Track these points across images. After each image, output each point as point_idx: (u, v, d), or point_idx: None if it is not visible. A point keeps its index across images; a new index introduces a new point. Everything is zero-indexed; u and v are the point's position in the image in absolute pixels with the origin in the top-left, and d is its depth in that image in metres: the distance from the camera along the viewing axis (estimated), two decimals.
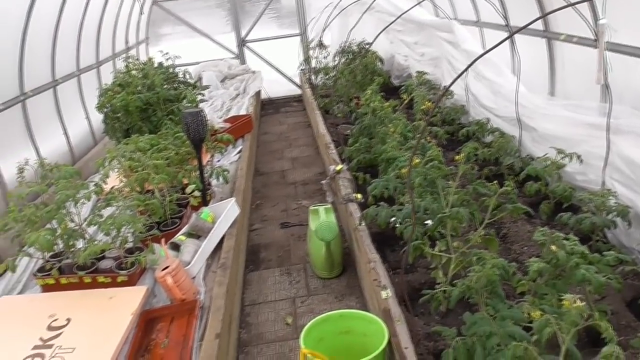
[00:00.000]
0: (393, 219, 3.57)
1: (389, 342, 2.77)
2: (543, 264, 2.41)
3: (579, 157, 3.83)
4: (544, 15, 3.79)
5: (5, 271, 3.66)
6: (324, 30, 9.50)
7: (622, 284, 2.46)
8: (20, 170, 3.83)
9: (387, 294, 3.06)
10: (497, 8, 5.08)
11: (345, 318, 3.07)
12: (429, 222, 3.26)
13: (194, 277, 3.66)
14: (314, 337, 2.91)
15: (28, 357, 2.94)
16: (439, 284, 3.02)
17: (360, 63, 7.41)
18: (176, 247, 3.95)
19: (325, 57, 9.02)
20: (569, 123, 4.00)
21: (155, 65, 6.24)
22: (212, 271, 3.77)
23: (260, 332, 3.84)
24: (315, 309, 3.97)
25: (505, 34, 5.29)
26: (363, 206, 4.24)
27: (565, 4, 2.98)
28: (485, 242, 3.06)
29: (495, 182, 3.03)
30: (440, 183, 3.16)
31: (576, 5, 3.24)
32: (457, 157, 3.15)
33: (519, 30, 3.01)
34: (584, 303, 1.91)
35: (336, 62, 8.30)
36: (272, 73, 11.55)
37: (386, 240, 3.87)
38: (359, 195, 4.34)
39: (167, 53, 6.25)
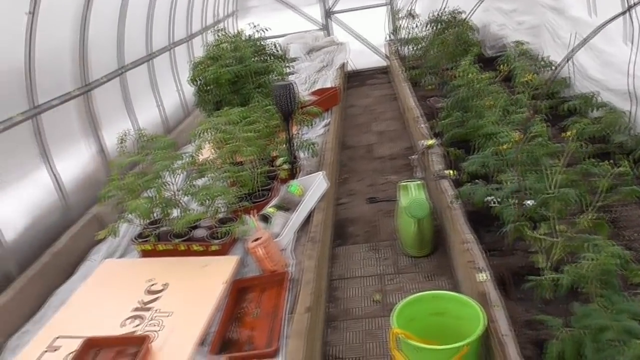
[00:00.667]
0: (489, 197, 3.39)
1: (486, 328, 2.64)
2: None
3: None
4: None
5: (107, 236, 3.87)
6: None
7: None
8: (121, 140, 3.99)
9: (484, 276, 2.92)
10: None
11: (438, 299, 2.97)
12: (529, 202, 3.06)
13: (283, 250, 3.68)
14: (405, 317, 2.84)
15: (129, 318, 3.10)
16: (538, 268, 2.85)
17: (452, 33, 7.08)
18: (265, 219, 3.99)
19: (415, 27, 8.71)
20: None
21: (245, 37, 6.28)
22: (301, 244, 3.78)
23: (347, 307, 3.82)
24: (404, 288, 3.90)
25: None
26: (456, 183, 4.09)
27: None
28: (594, 227, 2.82)
29: (607, 161, 2.77)
30: (545, 161, 2.94)
31: None
32: (565, 134, 2.91)
33: None
34: None
35: (426, 32, 7.99)
36: (358, 44, 11.37)
37: (481, 220, 3.68)
38: (452, 172, 4.17)
39: (257, 25, 6.25)
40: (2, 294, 3.37)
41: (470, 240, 3.33)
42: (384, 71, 11.04)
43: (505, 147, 3.40)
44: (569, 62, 5.50)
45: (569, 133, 2.87)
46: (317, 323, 3.28)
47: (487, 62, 7.06)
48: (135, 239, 3.86)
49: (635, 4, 2.81)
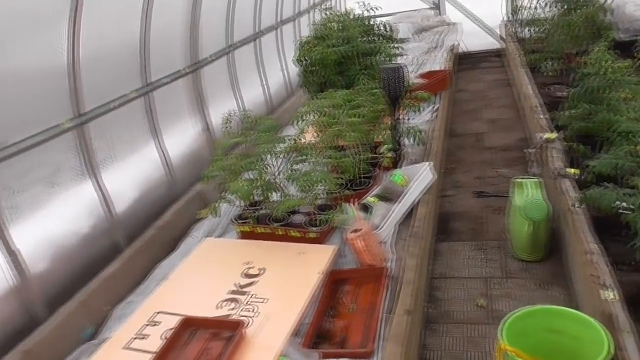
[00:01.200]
0: (618, 203, 2.99)
1: (612, 357, 2.31)
2: None
3: None
4: None
5: (208, 215, 3.91)
6: None
7: None
8: (226, 121, 4.00)
9: (611, 295, 2.57)
10: None
11: (554, 315, 2.65)
12: None
13: (382, 243, 3.51)
14: (515, 331, 2.56)
15: (225, 300, 3.10)
16: None
17: (581, 14, 6.42)
18: (366, 208, 3.83)
19: (536, 8, 8.03)
20: None
21: (353, 16, 6.09)
22: (402, 238, 3.58)
23: (448, 309, 3.59)
24: (513, 294, 3.59)
25: None
26: (578, 184, 3.68)
27: None
28: None
29: None
30: None
31: None
32: None
33: None
34: None
35: (550, 12, 7.33)
36: (471, 25, 10.77)
37: (607, 228, 3.27)
38: (575, 171, 3.76)
39: (368, 3, 6.03)
40: (111, 264, 3.53)
41: (595, 251, 2.96)
42: (497, 54, 10.37)
43: None
44: None
45: None
46: (415, 324, 3.09)
47: (622, 48, 6.35)
48: (235, 219, 3.87)
49: None
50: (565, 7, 7.08)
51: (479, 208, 4.86)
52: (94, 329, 3.13)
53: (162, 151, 4.49)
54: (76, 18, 3.36)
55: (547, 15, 7.43)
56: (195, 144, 5.04)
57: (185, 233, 4.09)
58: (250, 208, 3.91)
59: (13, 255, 3.01)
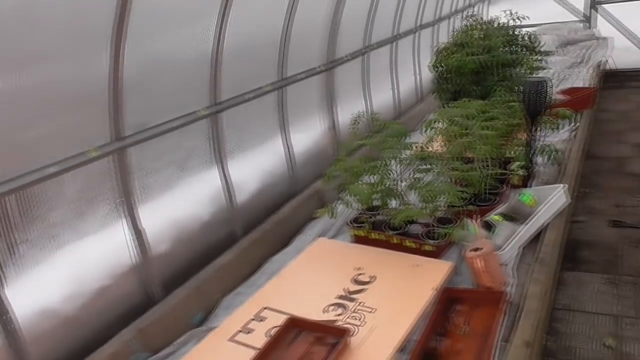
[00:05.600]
0: None
1: None
2: None
3: None
4: None
5: (324, 215, 3.93)
6: None
7: None
8: (355, 122, 4.00)
9: None
10: None
11: None
12: None
13: (503, 265, 3.31)
14: None
15: (332, 304, 3.08)
16: None
17: None
18: (489, 226, 3.65)
19: None
20: None
21: (496, 25, 5.84)
22: (525, 263, 3.36)
23: (570, 345, 3.29)
24: None
25: None
26: None
27: None
28: None
29: None
30: None
31: None
32: None
33: None
34: None
35: None
36: (623, 40, 9.91)
37: None
38: None
39: (515, 12, 5.75)
40: (226, 252, 3.67)
41: None
42: None
43: None
44: None
45: None
46: (532, 358, 2.87)
47: None
48: (350, 222, 3.86)
49: None
50: None
51: (614, 239, 4.42)
52: (203, 316, 3.25)
53: (288, 146, 4.60)
54: (225, 12, 3.53)
55: None
56: (320, 141, 5.12)
57: (299, 230, 4.15)
58: (367, 213, 3.88)
59: (139, 234, 3.17)
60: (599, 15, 10.10)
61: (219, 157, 3.85)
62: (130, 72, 2.93)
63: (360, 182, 3.73)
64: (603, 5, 10.01)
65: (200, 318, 3.24)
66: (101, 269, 3.00)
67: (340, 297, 3.14)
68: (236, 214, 3.99)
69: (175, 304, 3.16)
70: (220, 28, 3.56)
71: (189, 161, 3.64)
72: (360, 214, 3.89)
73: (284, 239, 4.03)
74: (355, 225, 3.79)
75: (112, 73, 2.84)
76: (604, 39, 9.67)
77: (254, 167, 4.27)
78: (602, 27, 10.09)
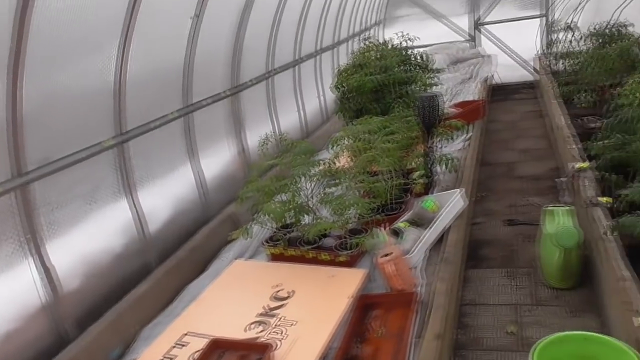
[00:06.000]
0: None
1: None
2: None
3: None
4: None
5: (240, 236, 3.98)
6: (574, 11, 8.49)
7: None
8: (263, 143, 4.11)
9: None
10: None
11: (587, 341, 2.63)
12: None
13: (413, 268, 3.53)
14: (545, 357, 2.54)
15: (254, 322, 3.12)
16: None
17: (615, 47, 6.42)
18: (396, 233, 3.86)
19: (571, 42, 8.06)
20: None
21: (391, 46, 6.23)
22: (432, 264, 3.60)
23: (478, 336, 3.56)
24: (543, 322, 3.55)
25: None
26: (611, 213, 3.66)
27: None
28: None
29: None
30: None
31: None
32: None
33: None
34: None
35: (585, 46, 7.35)
36: (505, 57, 10.86)
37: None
38: (607, 199, 3.73)
39: (407, 34, 6.17)
40: (141, 283, 3.61)
41: (627, 277, 2.94)
42: (530, 86, 10.40)
43: None
44: None
45: None
46: (444, 350, 3.08)
47: None
48: (265, 241, 3.94)
49: None
50: (600, 41, 7.09)
51: (509, 236, 4.84)
52: (121, 350, 3.16)
53: (198, 172, 4.62)
54: (126, 42, 3.54)
55: (581, 49, 7.44)
56: (230, 166, 5.17)
57: (215, 255, 4.16)
58: (282, 230, 3.97)
59: (48, 272, 3.05)
60: (482, 36, 10.99)
61: (128, 188, 3.80)
62: (30, 105, 2.87)
63: (273, 201, 3.83)
64: (485, 25, 10.90)
65: (119, 353, 3.15)
66: (7, 312, 2.85)
67: (261, 314, 3.20)
68: (149, 244, 3.93)
69: (90, 341, 3.06)
70: (122, 58, 3.56)
71: (97, 193, 3.57)
72: (275, 232, 3.98)
73: (200, 265, 4.02)
74: (271, 243, 3.87)
75: (10, 107, 2.77)
76: (489, 56, 10.52)
77: (165, 195, 4.25)
78: (487, 45, 10.98)
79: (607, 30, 7.17)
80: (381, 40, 6.61)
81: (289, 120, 6.54)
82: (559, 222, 3.82)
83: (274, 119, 6.06)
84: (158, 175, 4.16)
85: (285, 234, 3.89)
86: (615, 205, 3.72)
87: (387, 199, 4.16)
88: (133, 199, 3.84)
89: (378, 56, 5.90)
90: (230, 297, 3.48)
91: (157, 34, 3.96)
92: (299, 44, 6.63)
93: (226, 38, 4.99)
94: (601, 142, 4.52)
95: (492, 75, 10.13)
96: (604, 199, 3.84)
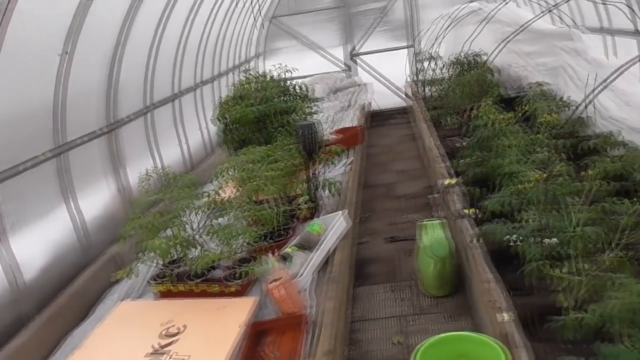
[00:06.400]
0: (511, 237, 3.34)
1: None
2: None
3: None
4: None
5: (124, 277, 3.84)
6: (435, 42, 9.30)
7: None
8: (144, 179, 4.05)
9: (505, 317, 2.85)
10: (625, 13, 4.68)
11: (459, 340, 2.88)
12: (549, 241, 3.02)
13: (302, 290, 3.64)
14: (426, 359, 2.76)
15: None
16: (560, 308, 2.77)
17: (472, 75, 7.14)
18: (285, 258, 3.97)
19: (434, 70, 8.83)
20: None
21: (271, 78, 6.43)
22: (321, 285, 3.73)
23: (368, 349, 3.74)
24: (426, 329, 3.82)
25: (634, 41, 4.86)
26: (476, 222, 4.04)
27: None
28: (617, 265, 2.75)
29: (624, 199, 2.74)
30: (566, 200, 2.90)
31: None
32: (587, 173, 2.87)
33: None
34: None
35: (447, 73, 8.08)
36: (380, 85, 11.55)
37: (503, 259, 3.59)
38: (472, 211, 4.12)
39: (285, 66, 6.39)
40: (17, 336, 3.36)
41: (491, 279, 3.26)
42: (404, 111, 11.12)
43: (525, 186, 3.35)
44: (590, 102, 5.48)
45: (590, 172, 2.83)
46: None
47: (507, 103, 7.08)
48: (152, 279, 3.85)
49: None
50: (460, 69, 7.83)
51: (392, 252, 5.15)
52: None
53: (76, 214, 4.42)
54: None
55: (444, 76, 8.16)
56: (111, 205, 5.00)
57: (99, 299, 3.98)
58: (169, 266, 3.90)
59: None
60: (358, 65, 11.64)
61: None
62: None
63: (158, 237, 3.77)
64: (360, 56, 11.57)
65: None
66: None
67: (151, 353, 3.11)
68: (25, 295, 3.68)
69: None
70: None
71: None
72: (162, 269, 3.91)
73: (83, 311, 3.83)
74: (158, 281, 3.79)
75: None
76: (365, 84, 11.16)
77: (41, 240, 4.01)
78: (363, 74, 11.64)
79: (464, 59, 7.95)
80: (261, 72, 6.78)
81: (171, 155, 6.46)
82: (432, 234, 4.15)
83: (156, 154, 5.96)
84: (32, 220, 3.93)
85: (172, 270, 3.83)
86: (479, 216, 4.12)
87: (275, 225, 4.27)
88: (4, 247, 3.59)
89: (258, 87, 6.05)
90: (116, 340, 3.35)
91: (22, 72, 3.80)
92: (178, 78, 6.62)
93: (100, 74, 4.88)
94: (464, 160, 4.99)
95: (369, 103, 10.73)
96: (469, 211, 4.23)
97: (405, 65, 10.79)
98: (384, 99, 11.54)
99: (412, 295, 4.32)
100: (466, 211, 4.20)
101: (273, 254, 3.86)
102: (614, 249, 2.70)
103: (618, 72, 2.78)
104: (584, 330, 2.37)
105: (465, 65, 7.80)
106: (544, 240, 3.08)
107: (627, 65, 2.66)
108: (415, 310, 4.11)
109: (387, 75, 11.58)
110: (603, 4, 5.39)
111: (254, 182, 4.27)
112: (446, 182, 4.91)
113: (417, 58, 10.03)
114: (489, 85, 7.10)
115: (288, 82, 6.56)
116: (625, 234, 2.67)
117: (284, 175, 4.71)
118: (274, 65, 6.66)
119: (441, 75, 8.41)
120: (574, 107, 5.93)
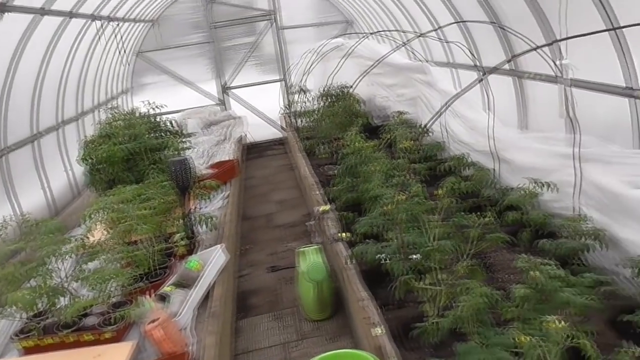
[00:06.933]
0: (380, 255, 3.58)
1: None
2: (527, 289, 2.44)
3: (553, 185, 3.93)
4: (512, 58, 3.98)
5: None
6: (304, 75, 9.68)
7: (603, 304, 2.51)
8: (2, 227, 3.78)
9: (379, 331, 3.04)
10: (467, 51, 5.30)
11: (341, 357, 3.02)
12: (415, 256, 3.28)
13: (183, 329, 3.58)
14: None
15: None
16: (428, 317, 3.03)
17: (341, 106, 7.55)
18: (163, 298, 3.88)
19: (306, 102, 9.19)
20: (542, 154, 4.16)
21: (139, 114, 6.29)
22: (202, 321, 3.70)
23: None
24: (309, 353, 3.91)
25: (476, 74, 5.51)
26: (351, 245, 4.25)
27: (530, 47, 3.13)
28: (470, 273, 3.07)
29: (475, 214, 3.08)
30: (424, 218, 3.19)
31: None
32: (437, 192, 3.19)
33: (491, 71, 3.16)
34: (566, 324, 1.94)
35: (318, 105, 8.44)
36: (255, 118, 11.73)
37: (375, 277, 3.84)
38: (346, 235, 4.35)
39: (153, 102, 6.29)
40: None
41: (365, 297, 3.46)
42: (281, 142, 11.38)
43: (389, 207, 3.62)
44: (444, 128, 6.06)
45: (440, 191, 3.15)
46: None
47: (374, 131, 7.57)
48: (15, 335, 3.56)
49: (487, 74, 3.26)
50: (329, 100, 8.23)
51: (273, 282, 5.23)
52: None
53: None
54: None
55: (315, 107, 8.52)
56: None
57: None
58: (35, 319, 3.64)
59: None
60: (231, 99, 11.74)
61: None
62: None
63: (20, 289, 3.51)
64: (231, 90, 11.68)
65: None
66: None
67: None
68: None
69: None
70: None
71: None
72: (26, 322, 3.64)
73: None
74: (22, 336, 3.51)
75: None
76: (239, 117, 11.25)
77: None
78: (237, 107, 11.74)
79: (333, 91, 8.36)
80: (129, 109, 6.62)
81: (34, 200, 6.04)
82: (309, 260, 4.30)
83: (13, 201, 5.54)
84: None
85: (38, 323, 3.58)
86: (353, 238, 4.35)
87: (150, 265, 4.17)
88: None
89: (126, 125, 5.90)
90: None
91: None
92: (36, 118, 6.24)
93: None
94: (337, 187, 5.25)
95: (245, 135, 10.84)
96: (344, 235, 4.45)
97: (279, 98, 11.09)
98: (261, 130, 11.73)
99: (294, 322, 4.42)
100: (341, 235, 4.42)
101: (150, 294, 3.76)
102: (467, 259, 3.00)
103: (454, 98, 3.23)
104: (442, 333, 2.60)
105: (334, 97, 8.20)
106: (410, 256, 3.34)
107: (461, 93, 3.12)
108: (298, 336, 4.20)
109: (263, 107, 11.78)
110: (446, 42, 6.06)
111: (126, 223, 4.16)
112: (321, 208, 5.13)
113: (289, 91, 10.36)
114: (357, 114, 7.54)
115: (158, 118, 6.46)
116: (474, 244, 2.98)
117: (158, 213, 4.62)
118: (143, 102, 6.54)
119: (312, 107, 8.76)
120: (430, 134, 6.51)
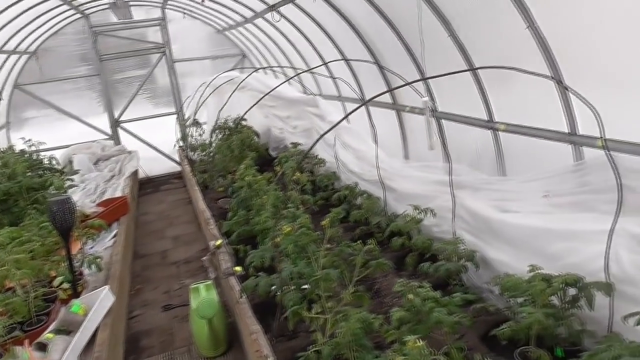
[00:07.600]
0: (273, 287, 3.62)
1: None
2: (403, 312, 2.59)
3: (432, 211, 4.22)
4: (389, 91, 4.28)
5: None
6: (198, 108, 9.64)
7: (473, 321, 2.72)
8: None
9: None
10: (353, 85, 5.61)
11: None
12: (307, 286, 3.36)
13: None
14: None
15: None
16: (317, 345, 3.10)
17: (236, 138, 7.58)
18: (43, 346, 3.65)
19: (201, 135, 9.14)
20: (422, 182, 4.45)
21: (17, 152, 5.94)
22: None
23: None
24: None
25: (363, 107, 5.83)
26: (245, 278, 4.26)
27: (403, 83, 3.40)
28: (357, 299, 3.19)
29: (359, 241, 3.23)
30: (311, 248, 3.28)
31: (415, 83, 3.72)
32: (323, 223, 3.31)
33: (369, 100, 3.44)
34: (424, 342, 2.10)
35: (213, 138, 8.41)
36: (150, 152, 11.43)
37: (269, 309, 3.87)
38: (239, 268, 4.34)
39: (29, 140, 5.97)
40: None
41: (257, 330, 3.48)
42: (178, 176, 11.15)
43: (279, 239, 3.69)
44: (335, 158, 6.30)
45: (324, 222, 3.26)
46: None
47: (270, 163, 7.69)
48: None
49: (365, 102, 3.47)
50: (225, 133, 8.23)
51: (167, 321, 5.07)
52: None
53: None
54: None
55: (210, 141, 8.49)
56: None
57: None
58: None
59: None
60: (124, 133, 11.35)
61: None
62: None
63: None
64: (123, 124, 11.31)
65: None
66: None
67: None
68: None
69: None
70: None
71: None
72: None
73: None
74: None
75: None
76: (131, 152, 10.89)
77: None
78: (130, 141, 11.32)
79: (230, 124, 8.38)
80: (6, 146, 6.22)
81: None
82: (201, 296, 4.24)
83: None
84: None
85: None
86: (246, 272, 4.35)
87: (29, 313, 3.90)
88: None
89: (2, 164, 5.54)
90: None
91: None
92: None
93: None
94: (230, 220, 5.24)
95: (139, 170, 10.51)
96: (237, 269, 4.44)
97: (176, 131, 10.90)
98: (158, 164, 11.42)
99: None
100: (235, 269, 4.41)
101: (27, 344, 3.51)
102: (352, 286, 3.12)
103: (334, 126, 3.49)
104: None
105: (228, 130, 8.23)
106: (302, 287, 3.41)
107: (336, 123, 3.37)
108: None
109: (160, 140, 11.46)
110: (333, 78, 6.35)
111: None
112: (215, 243, 5.09)
113: (184, 124, 10.21)
114: (254, 147, 7.61)
115: (42, 154, 6.14)
116: (359, 271, 3.11)
117: (38, 256, 4.36)
118: (22, 138, 6.19)
119: (207, 140, 8.72)
120: (323, 164, 6.74)
